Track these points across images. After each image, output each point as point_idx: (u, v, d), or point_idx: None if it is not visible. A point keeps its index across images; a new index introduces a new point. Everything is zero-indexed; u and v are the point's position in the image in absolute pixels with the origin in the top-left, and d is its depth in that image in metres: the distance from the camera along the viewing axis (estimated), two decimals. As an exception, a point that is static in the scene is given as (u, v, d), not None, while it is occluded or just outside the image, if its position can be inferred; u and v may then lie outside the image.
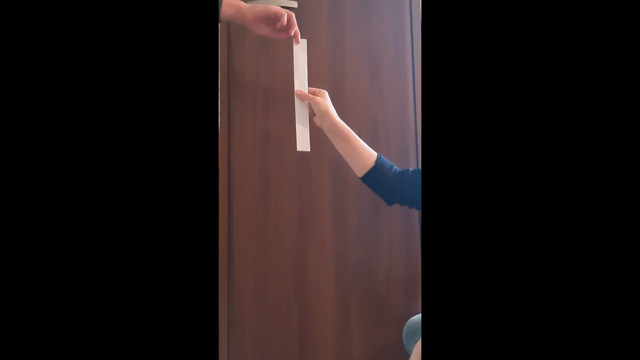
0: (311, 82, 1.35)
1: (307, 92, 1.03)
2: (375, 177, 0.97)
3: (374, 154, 0.98)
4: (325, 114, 0.98)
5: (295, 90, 1.02)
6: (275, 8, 0.96)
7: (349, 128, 0.99)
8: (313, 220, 1.31)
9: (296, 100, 1.02)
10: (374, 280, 1.29)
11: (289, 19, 0.97)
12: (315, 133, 1.33)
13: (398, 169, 0.98)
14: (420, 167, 1.31)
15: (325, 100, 0.99)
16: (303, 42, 1.04)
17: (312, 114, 1.01)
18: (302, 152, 1.29)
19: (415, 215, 1.30)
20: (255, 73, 1.36)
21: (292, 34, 1.01)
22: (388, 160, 0.99)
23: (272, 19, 0.96)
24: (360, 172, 0.99)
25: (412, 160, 1.32)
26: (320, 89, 1.03)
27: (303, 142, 1.02)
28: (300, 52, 1.04)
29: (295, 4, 1.27)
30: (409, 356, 1.22)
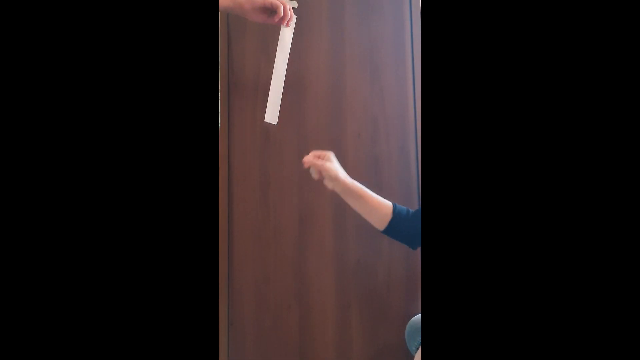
0: (311, 83, 1.36)
1: (285, 68, 1.03)
2: (397, 226, 0.97)
3: (389, 205, 0.98)
4: (335, 179, 0.97)
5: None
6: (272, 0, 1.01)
7: (360, 185, 0.98)
8: (313, 220, 1.31)
9: (274, 74, 1.03)
10: (374, 280, 1.29)
11: (284, 10, 1.02)
12: (316, 130, 1.33)
13: (411, 210, 0.98)
14: (419, 168, 1.31)
15: (333, 165, 0.98)
16: (292, 22, 1.05)
17: (321, 178, 1.00)
18: (301, 152, 1.29)
19: (415, 215, 1.30)
20: (255, 73, 1.36)
21: (286, 22, 1.04)
22: (401, 206, 0.99)
23: (268, 9, 1.02)
24: (381, 225, 0.98)
25: (412, 160, 1.32)
26: (326, 152, 1.01)
27: (272, 115, 1.03)
28: (287, 32, 1.05)
29: (295, 4, 1.27)
30: (410, 356, 1.22)
